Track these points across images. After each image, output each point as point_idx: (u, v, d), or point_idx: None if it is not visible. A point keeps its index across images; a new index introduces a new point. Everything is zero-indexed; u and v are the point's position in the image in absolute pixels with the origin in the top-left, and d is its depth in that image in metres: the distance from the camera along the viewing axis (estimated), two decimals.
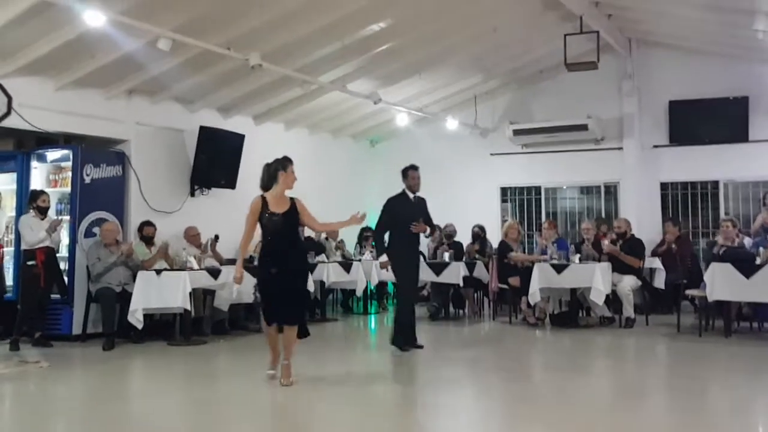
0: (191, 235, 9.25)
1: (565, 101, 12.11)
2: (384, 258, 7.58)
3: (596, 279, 8.60)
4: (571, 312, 9.35)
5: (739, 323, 8.73)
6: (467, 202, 12.66)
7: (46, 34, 7.32)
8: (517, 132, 12.39)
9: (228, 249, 9.45)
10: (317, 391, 5.79)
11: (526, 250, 11.27)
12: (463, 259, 10.40)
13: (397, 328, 7.60)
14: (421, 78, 10.78)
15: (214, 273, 8.35)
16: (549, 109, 12.34)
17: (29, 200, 8.10)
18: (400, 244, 7.59)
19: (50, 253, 8.01)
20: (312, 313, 10.35)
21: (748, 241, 9.04)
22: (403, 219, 7.56)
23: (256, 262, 6.93)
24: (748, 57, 10.78)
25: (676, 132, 11.69)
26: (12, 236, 8.72)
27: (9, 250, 8.68)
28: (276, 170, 5.86)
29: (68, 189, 8.64)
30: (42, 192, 8.15)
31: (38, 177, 8.81)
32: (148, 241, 8.80)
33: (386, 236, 7.82)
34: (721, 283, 7.89)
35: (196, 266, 8.35)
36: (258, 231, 5.93)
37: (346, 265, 10.58)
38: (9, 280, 8.61)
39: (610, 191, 12.44)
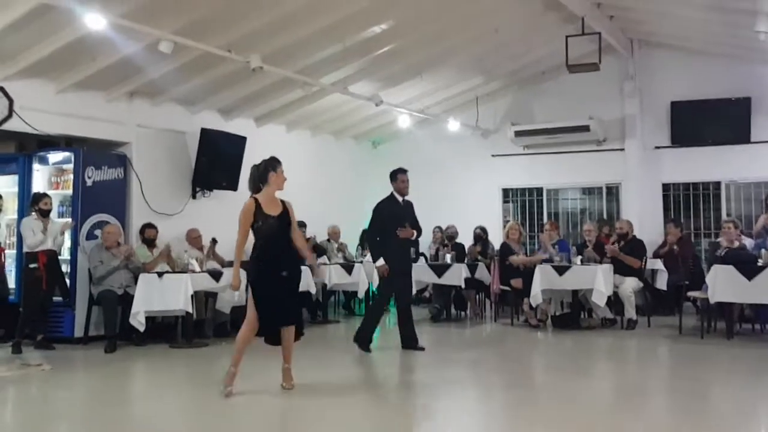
0: (193, 238, 9.25)
1: (566, 102, 12.09)
2: (381, 262, 7.54)
3: (598, 281, 8.59)
4: (573, 314, 9.35)
5: (741, 325, 8.73)
6: (469, 203, 12.67)
7: (47, 36, 7.32)
8: (518, 133, 12.37)
9: (230, 251, 9.32)
10: (319, 394, 5.77)
11: (528, 252, 11.25)
12: (465, 261, 10.39)
13: (364, 327, 7.64)
14: (422, 79, 10.77)
15: (216, 275, 8.35)
16: (551, 110, 12.33)
17: (31, 203, 8.11)
18: (390, 247, 7.57)
19: (52, 255, 8.01)
20: (314, 315, 10.36)
21: (750, 243, 9.02)
22: (392, 223, 7.55)
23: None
24: (750, 58, 10.76)
25: (678, 133, 11.67)
26: (14, 239, 8.73)
27: (11, 253, 8.68)
28: (266, 171, 5.73)
29: (70, 191, 8.63)
30: (44, 195, 8.15)
31: (40, 179, 8.81)
32: (149, 243, 8.80)
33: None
34: (723, 284, 7.88)
35: (197, 269, 8.34)
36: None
37: (348, 266, 10.57)
38: (11, 283, 8.61)
39: (612, 192, 12.43)
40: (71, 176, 8.61)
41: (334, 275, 10.22)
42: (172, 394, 6.16)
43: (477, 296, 10.78)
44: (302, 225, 10.73)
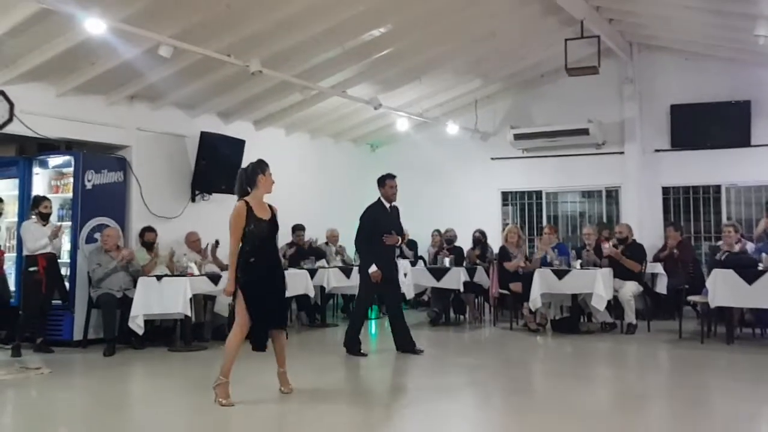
0: (192, 241, 9.25)
1: (566, 105, 12.09)
2: (374, 268, 7.50)
3: (597, 285, 8.58)
4: (573, 318, 9.34)
5: (741, 330, 8.71)
6: (468, 206, 12.66)
7: (48, 41, 7.35)
8: (517, 136, 12.37)
9: (227, 255, 9.43)
10: (317, 399, 5.78)
11: (528, 255, 11.23)
12: (464, 265, 10.38)
13: (349, 333, 7.66)
14: (421, 83, 10.78)
15: (215, 279, 8.35)
16: (550, 113, 12.33)
17: (32, 206, 8.13)
18: (376, 254, 7.55)
19: (52, 259, 8.02)
20: (312, 319, 10.36)
21: (750, 247, 9.01)
22: (379, 229, 7.53)
23: None
24: (750, 61, 10.75)
25: (678, 136, 11.67)
26: (14, 242, 8.74)
27: (11, 256, 8.69)
28: (254, 173, 5.66)
29: (70, 195, 8.65)
30: (44, 198, 8.17)
31: (40, 183, 8.83)
32: (149, 246, 8.81)
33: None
34: (723, 289, 7.86)
35: (196, 272, 8.35)
36: None
37: (347, 270, 10.55)
38: (12, 286, 8.61)
39: (612, 196, 12.42)
40: (71, 179, 8.62)
41: (332, 278, 10.21)
42: (170, 397, 6.15)
43: (476, 300, 10.77)
44: (301, 228, 10.78)
